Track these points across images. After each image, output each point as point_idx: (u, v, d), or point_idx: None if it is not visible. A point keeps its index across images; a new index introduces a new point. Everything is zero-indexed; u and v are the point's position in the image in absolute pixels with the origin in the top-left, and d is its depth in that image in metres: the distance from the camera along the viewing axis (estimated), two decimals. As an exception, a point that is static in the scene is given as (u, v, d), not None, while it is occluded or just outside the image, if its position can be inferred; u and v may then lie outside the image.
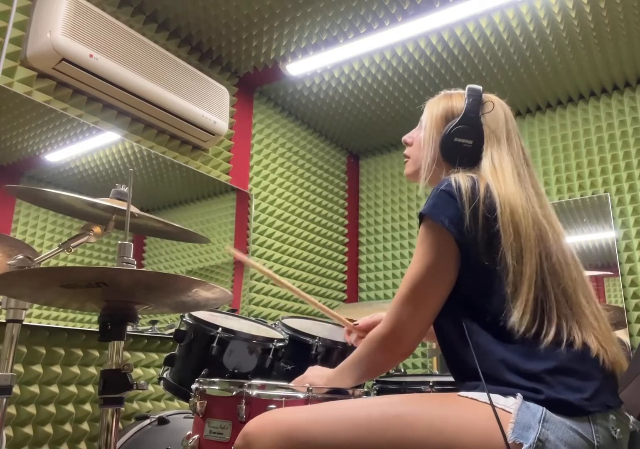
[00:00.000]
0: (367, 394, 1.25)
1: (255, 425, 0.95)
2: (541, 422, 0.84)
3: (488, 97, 1.17)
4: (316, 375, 1.20)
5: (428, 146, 1.16)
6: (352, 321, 1.47)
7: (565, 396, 0.87)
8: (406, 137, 1.27)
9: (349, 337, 1.46)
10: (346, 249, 3.80)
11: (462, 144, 1.11)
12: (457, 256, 1.00)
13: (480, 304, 0.99)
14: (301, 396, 1.12)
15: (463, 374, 1.01)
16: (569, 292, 0.98)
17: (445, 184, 1.02)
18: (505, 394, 0.89)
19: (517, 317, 0.93)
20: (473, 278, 0.99)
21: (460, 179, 1.01)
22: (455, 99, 1.18)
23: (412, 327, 1.02)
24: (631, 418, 0.94)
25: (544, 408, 0.86)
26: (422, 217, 1.03)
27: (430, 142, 1.16)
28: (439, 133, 1.15)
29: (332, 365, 1.22)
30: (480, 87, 1.17)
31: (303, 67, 2.90)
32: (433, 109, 1.19)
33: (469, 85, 1.17)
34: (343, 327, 1.50)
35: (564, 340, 0.92)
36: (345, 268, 3.76)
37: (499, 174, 1.05)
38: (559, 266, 0.99)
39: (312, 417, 0.92)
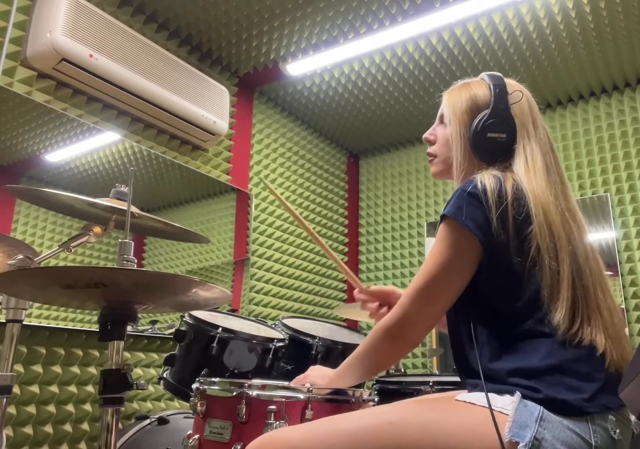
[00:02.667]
0: (368, 394, 1.25)
1: (255, 446, 0.94)
2: (538, 421, 0.85)
3: (510, 84, 1.12)
4: (317, 375, 1.19)
5: (457, 143, 1.10)
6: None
7: (563, 395, 0.87)
8: (427, 135, 1.21)
9: (358, 295, 1.39)
10: (346, 249, 3.80)
11: (496, 139, 1.06)
12: (477, 258, 0.98)
13: (500, 305, 0.98)
14: (301, 396, 1.12)
15: (466, 369, 1.02)
16: (589, 288, 0.97)
17: (471, 187, 0.98)
18: (501, 393, 0.90)
19: (560, 316, 0.92)
20: (499, 280, 0.98)
21: (486, 180, 0.98)
22: (476, 88, 1.12)
23: (419, 321, 1.02)
24: (632, 418, 0.94)
25: (542, 407, 0.86)
26: (444, 217, 1.00)
27: (458, 138, 1.10)
28: (466, 128, 1.09)
29: (333, 365, 1.22)
30: (501, 75, 1.11)
31: (303, 67, 2.90)
32: (455, 103, 1.12)
33: (488, 73, 1.12)
34: (342, 325, 1.49)
35: (575, 339, 0.92)
36: (345, 268, 3.75)
37: (531, 170, 1.02)
38: (583, 262, 0.99)
39: (308, 434, 0.92)
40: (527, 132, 1.08)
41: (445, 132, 1.15)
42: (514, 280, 0.97)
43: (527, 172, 1.02)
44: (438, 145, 1.18)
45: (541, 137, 1.09)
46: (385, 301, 1.36)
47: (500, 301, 0.98)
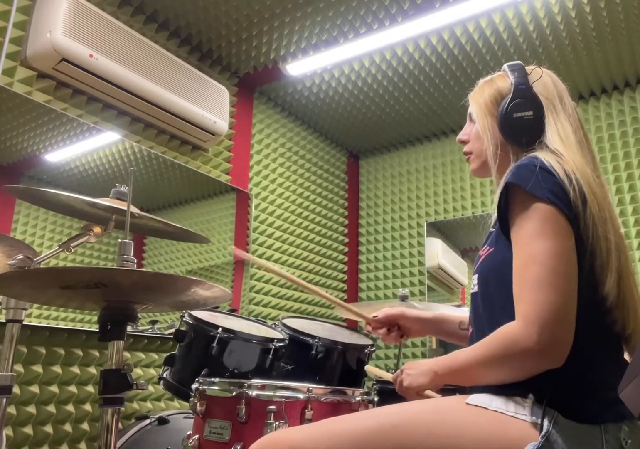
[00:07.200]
0: (368, 394, 1.25)
1: (258, 447, 0.94)
2: (552, 423, 0.84)
3: (529, 68, 1.12)
4: (417, 373, 1.04)
5: (487, 134, 1.09)
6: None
7: (580, 401, 0.87)
8: (460, 136, 1.20)
9: (368, 327, 1.38)
10: (346, 249, 3.80)
11: (523, 118, 1.04)
12: (572, 233, 0.91)
13: None
14: (301, 396, 1.12)
15: None
16: (630, 268, 0.95)
17: (539, 161, 0.94)
18: (515, 396, 0.89)
19: (610, 285, 0.90)
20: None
21: (548, 157, 0.95)
22: (498, 81, 1.12)
23: (562, 317, 0.86)
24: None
25: (556, 411, 0.85)
26: (516, 191, 0.93)
27: (487, 129, 1.09)
28: (493, 117, 1.08)
29: (333, 365, 1.22)
30: (519, 61, 1.12)
31: (303, 67, 2.90)
32: (479, 98, 1.13)
33: (507, 63, 1.13)
34: (342, 326, 1.49)
35: (612, 325, 0.91)
36: (345, 268, 3.76)
37: (566, 144, 1.01)
38: (618, 238, 0.97)
39: (312, 435, 0.92)
40: (553, 107, 1.06)
41: (475, 127, 1.14)
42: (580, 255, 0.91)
43: (564, 145, 1.00)
44: (471, 142, 1.17)
45: (570, 112, 1.07)
46: (394, 324, 1.34)
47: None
